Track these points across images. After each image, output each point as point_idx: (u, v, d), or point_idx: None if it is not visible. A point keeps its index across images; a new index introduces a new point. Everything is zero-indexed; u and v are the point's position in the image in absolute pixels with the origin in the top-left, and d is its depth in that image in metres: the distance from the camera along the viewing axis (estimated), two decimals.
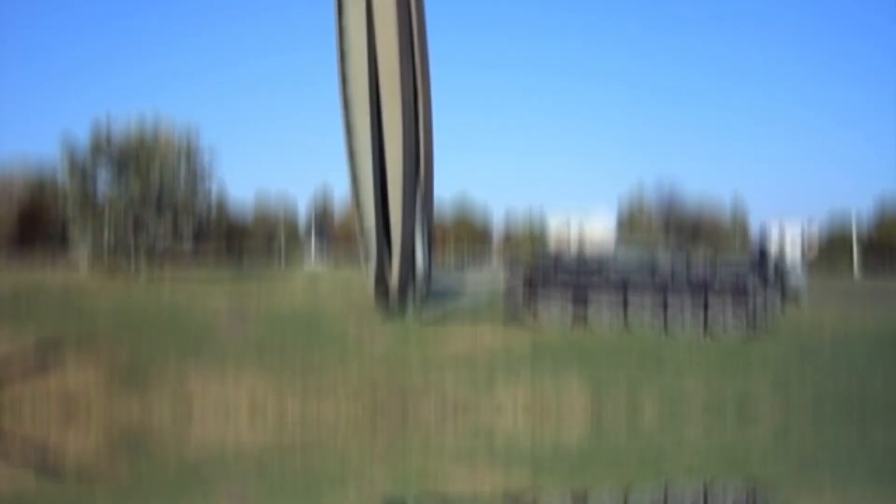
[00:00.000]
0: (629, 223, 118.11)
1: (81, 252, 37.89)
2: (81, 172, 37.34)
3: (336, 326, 19.86)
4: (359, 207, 20.31)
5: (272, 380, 11.58)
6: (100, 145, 36.99)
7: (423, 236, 20.59)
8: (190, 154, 40.67)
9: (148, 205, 37.88)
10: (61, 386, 10.68)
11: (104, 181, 39.34)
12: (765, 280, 19.49)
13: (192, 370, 12.76)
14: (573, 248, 26.40)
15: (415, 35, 21.65)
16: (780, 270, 19.76)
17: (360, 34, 19.97)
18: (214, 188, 42.72)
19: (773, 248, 21.06)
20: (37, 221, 64.07)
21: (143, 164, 37.73)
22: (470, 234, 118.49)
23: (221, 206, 45.18)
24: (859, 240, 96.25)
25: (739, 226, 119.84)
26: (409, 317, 20.58)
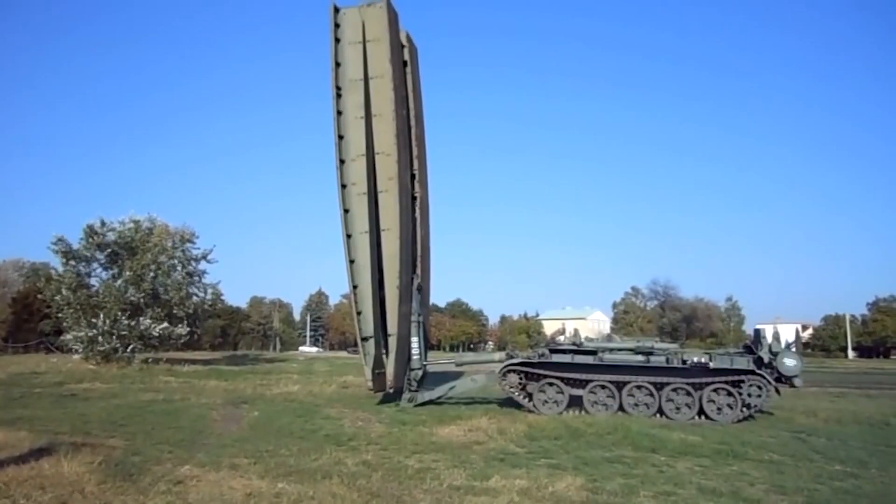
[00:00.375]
0: (624, 322, 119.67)
1: (76, 339, 37.91)
2: (75, 258, 37.69)
3: (331, 409, 19.83)
4: (355, 289, 20.50)
5: (267, 463, 11.53)
6: (94, 231, 37.46)
7: (419, 318, 20.70)
8: (185, 241, 41.21)
9: (143, 291, 38.11)
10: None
11: (99, 267, 39.73)
12: (759, 362, 19.63)
13: (183, 453, 12.68)
14: (568, 337, 26.61)
15: (412, 122, 22.24)
16: (775, 352, 19.88)
17: (357, 119, 20.50)
18: (209, 280, 43.16)
19: (768, 334, 21.18)
20: (31, 310, 64.12)
21: (137, 249, 38.11)
22: (466, 320, 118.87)
23: (216, 293, 45.36)
24: (852, 324, 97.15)
25: (734, 323, 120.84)
26: (405, 398, 20.61)
